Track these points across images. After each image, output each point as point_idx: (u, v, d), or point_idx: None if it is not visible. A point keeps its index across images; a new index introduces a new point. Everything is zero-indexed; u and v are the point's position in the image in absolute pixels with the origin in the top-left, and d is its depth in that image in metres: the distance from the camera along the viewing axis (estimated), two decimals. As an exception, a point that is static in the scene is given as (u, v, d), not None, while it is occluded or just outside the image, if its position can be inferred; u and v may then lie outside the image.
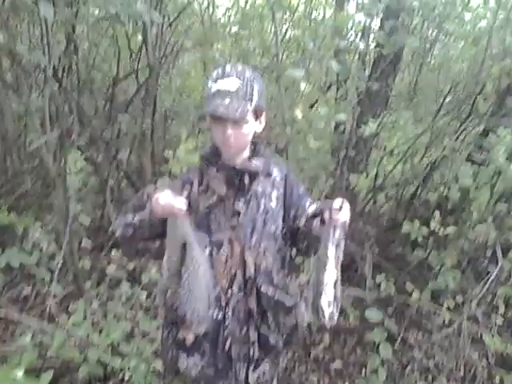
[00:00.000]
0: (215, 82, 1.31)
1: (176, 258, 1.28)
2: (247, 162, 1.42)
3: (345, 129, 3.54)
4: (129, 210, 1.40)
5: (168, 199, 1.23)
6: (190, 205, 1.37)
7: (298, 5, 4.55)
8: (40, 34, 2.25)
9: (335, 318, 1.28)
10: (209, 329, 1.39)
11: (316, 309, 1.26)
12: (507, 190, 3.07)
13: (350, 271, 3.07)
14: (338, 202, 1.24)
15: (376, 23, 3.57)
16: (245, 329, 1.43)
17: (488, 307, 2.96)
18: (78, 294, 2.60)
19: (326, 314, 1.25)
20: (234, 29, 4.32)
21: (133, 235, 1.36)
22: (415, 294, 2.68)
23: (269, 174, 1.49)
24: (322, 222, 1.29)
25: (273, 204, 1.46)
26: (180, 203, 1.22)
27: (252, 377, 1.48)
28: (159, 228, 1.30)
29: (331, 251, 1.25)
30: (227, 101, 1.27)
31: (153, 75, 2.88)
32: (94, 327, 2.30)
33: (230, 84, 1.29)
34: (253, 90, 1.31)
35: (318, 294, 1.25)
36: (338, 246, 1.26)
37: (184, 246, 1.27)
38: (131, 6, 2.39)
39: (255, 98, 1.32)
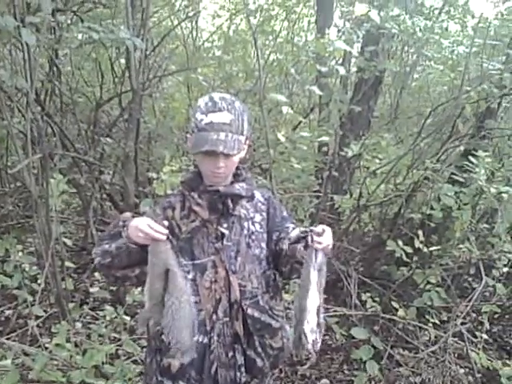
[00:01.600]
0: (205, 115, 1.30)
1: (159, 286, 1.25)
2: (230, 186, 1.41)
3: (328, 150, 3.59)
4: (105, 237, 1.36)
5: (149, 224, 1.20)
6: (172, 230, 1.35)
7: (280, 30, 4.66)
8: (23, 59, 2.24)
9: (318, 344, 1.27)
10: (194, 355, 1.36)
11: (299, 336, 1.24)
12: (488, 209, 3.13)
13: (335, 289, 3.06)
14: (319, 227, 1.26)
15: (357, 47, 3.66)
16: (231, 353, 1.40)
17: (473, 324, 2.97)
18: (61, 316, 2.54)
19: (310, 341, 1.24)
20: (218, 53, 4.38)
21: (111, 263, 1.31)
22: (401, 312, 2.68)
23: (252, 198, 1.48)
24: (306, 246, 1.28)
25: (256, 227, 1.45)
26: (161, 228, 1.21)
27: None
28: (137, 255, 1.27)
29: (313, 276, 1.25)
30: (222, 135, 1.27)
31: (136, 99, 2.89)
32: (77, 349, 2.25)
33: (223, 118, 1.29)
34: (243, 123, 1.32)
35: (300, 321, 1.24)
36: (320, 270, 1.26)
37: (167, 273, 1.24)
38: (114, 32, 2.41)
39: (245, 129, 1.33)
